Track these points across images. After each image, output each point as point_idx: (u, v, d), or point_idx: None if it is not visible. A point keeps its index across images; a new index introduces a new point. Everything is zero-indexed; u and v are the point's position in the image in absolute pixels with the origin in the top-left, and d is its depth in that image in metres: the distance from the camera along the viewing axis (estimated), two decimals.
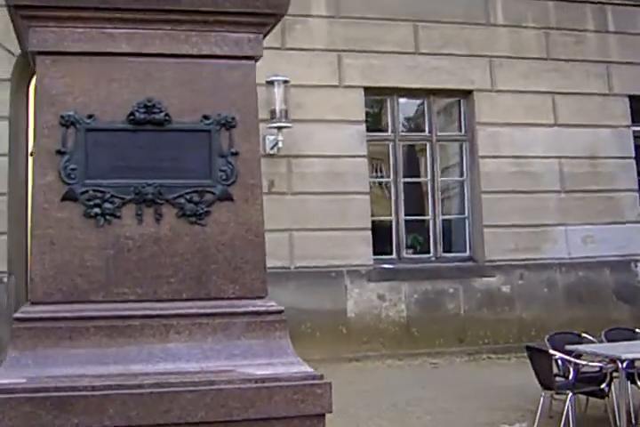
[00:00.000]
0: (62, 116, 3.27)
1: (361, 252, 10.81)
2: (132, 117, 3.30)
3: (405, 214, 11.42)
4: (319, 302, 10.47)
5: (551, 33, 11.91)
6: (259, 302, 3.37)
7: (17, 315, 3.20)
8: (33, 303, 3.22)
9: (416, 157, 12.19)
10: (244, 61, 3.44)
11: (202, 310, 3.27)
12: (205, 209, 3.34)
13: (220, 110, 3.37)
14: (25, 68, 9.85)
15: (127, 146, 3.31)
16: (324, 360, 8.52)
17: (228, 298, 3.34)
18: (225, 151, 3.37)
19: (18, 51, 9.68)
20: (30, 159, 10.96)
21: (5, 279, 9.90)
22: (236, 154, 3.38)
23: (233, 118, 3.37)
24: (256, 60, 3.48)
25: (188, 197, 3.33)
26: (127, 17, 3.30)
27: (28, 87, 10.78)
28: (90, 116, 3.28)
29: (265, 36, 3.51)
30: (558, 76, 11.84)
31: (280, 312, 3.35)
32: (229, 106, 3.38)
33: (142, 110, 3.30)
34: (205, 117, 3.36)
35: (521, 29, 11.82)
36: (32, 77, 10.55)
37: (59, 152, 3.27)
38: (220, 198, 3.36)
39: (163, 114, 3.31)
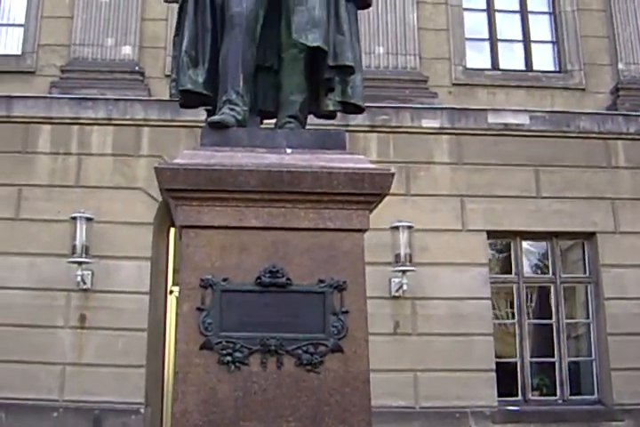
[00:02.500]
0: (202, 279, 3.96)
1: (485, 393, 10.94)
2: (259, 281, 3.96)
3: (531, 356, 11.59)
4: None
5: None
6: None
7: None
8: None
9: (540, 298, 12.44)
10: (353, 233, 4.07)
11: None
12: (319, 359, 3.92)
13: (333, 275, 4.00)
14: (166, 213, 10.84)
15: (254, 304, 3.96)
16: None
17: None
18: (337, 310, 3.97)
19: (160, 197, 10.73)
20: (169, 297, 11.91)
21: (142, 410, 10.44)
22: (346, 312, 3.98)
23: (344, 282, 3.99)
24: (363, 232, 4.10)
25: (304, 348, 3.92)
26: (256, 198, 4.01)
27: (168, 231, 11.76)
28: (224, 280, 3.96)
29: (371, 211, 4.14)
30: None
31: None
32: (341, 271, 4.01)
33: (268, 275, 3.97)
34: (321, 281, 3.99)
35: None
36: (172, 222, 11.60)
37: (198, 309, 3.94)
38: (333, 350, 3.94)
39: (284, 278, 3.96)
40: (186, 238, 4.05)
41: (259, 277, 3.96)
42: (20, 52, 11.94)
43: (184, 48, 4.60)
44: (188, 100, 4.68)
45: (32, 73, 11.75)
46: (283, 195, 4.02)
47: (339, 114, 4.92)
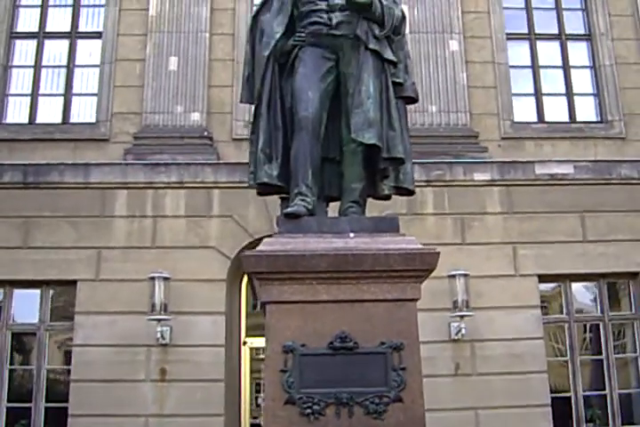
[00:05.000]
0: (284, 346, 4.79)
1: (542, 426, 11.54)
2: (331, 345, 4.79)
3: (584, 390, 12.18)
4: None
5: None
6: None
7: None
8: None
9: (591, 335, 13.03)
10: (407, 303, 4.89)
11: None
12: (384, 408, 4.72)
13: (391, 338, 4.81)
14: (237, 270, 11.67)
15: (328, 365, 4.78)
16: None
17: None
18: (396, 367, 4.77)
19: (232, 255, 11.56)
20: (243, 348, 12.61)
21: None
22: (404, 369, 4.77)
23: (401, 343, 4.79)
24: (416, 301, 4.90)
25: (371, 400, 4.74)
26: (326, 277, 4.85)
27: (239, 286, 12.55)
28: (302, 345, 4.79)
29: (421, 282, 4.95)
30: None
31: None
32: (398, 334, 4.82)
33: (338, 340, 4.80)
34: (382, 343, 4.80)
35: None
36: (242, 278, 12.41)
37: (281, 371, 4.76)
38: (394, 400, 4.74)
39: (352, 342, 4.79)
40: (269, 312, 4.89)
41: (331, 342, 4.79)
42: (94, 121, 12.73)
43: (260, 146, 5.48)
44: (264, 189, 5.57)
45: (106, 140, 12.53)
46: (348, 273, 4.85)
47: None
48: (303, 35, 5.58)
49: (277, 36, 5.57)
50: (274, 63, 5.57)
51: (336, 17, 5.52)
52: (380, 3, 5.51)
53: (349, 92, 5.43)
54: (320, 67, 5.49)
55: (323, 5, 5.57)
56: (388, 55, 5.49)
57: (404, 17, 5.71)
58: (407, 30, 11.94)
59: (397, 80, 5.53)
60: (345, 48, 5.50)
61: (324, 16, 5.55)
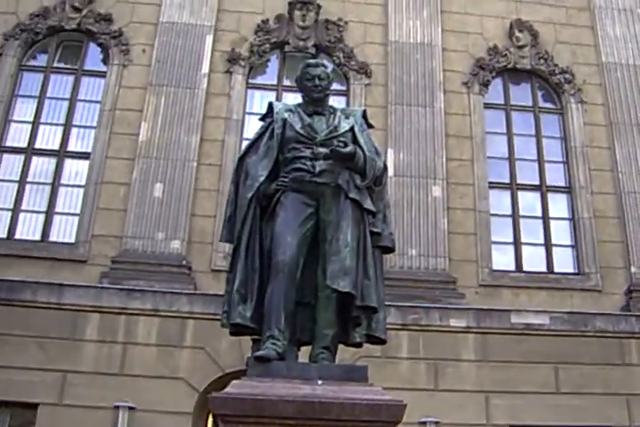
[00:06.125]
0: None
1: None
2: None
3: None
4: None
5: None
6: None
7: None
8: None
9: None
10: None
11: None
12: None
13: None
14: (205, 404, 11.31)
15: None
16: None
17: None
18: None
19: (201, 387, 11.33)
20: None
21: None
22: None
23: None
24: None
25: None
26: (292, 423, 4.81)
27: (206, 421, 12.25)
28: None
29: None
30: None
31: None
32: None
33: None
34: None
35: None
36: (209, 413, 12.10)
37: None
38: None
39: None
40: None
41: None
42: (73, 241, 12.67)
43: (236, 286, 5.51)
44: (237, 330, 5.55)
45: (84, 262, 12.41)
46: (314, 421, 4.78)
47: None
48: (286, 180, 5.71)
49: (261, 179, 5.71)
50: (256, 205, 5.69)
51: (319, 165, 5.67)
52: (363, 153, 5.68)
53: (327, 239, 5.53)
54: (300, 212, 5.60)
55: (307, 153, 5.73)
56: (368, 205, 5.63)
57: (385, 168, 5.88)
58: (391, 173, 12.40)
59: (375, 230, 5.66)
60: (326, 196, 5.64)
61: (308, 163, 5.71)
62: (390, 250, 5.85)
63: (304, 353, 5.67)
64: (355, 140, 5.81)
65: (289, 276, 5.37)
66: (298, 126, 5.87)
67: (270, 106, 6.20)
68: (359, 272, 5.44)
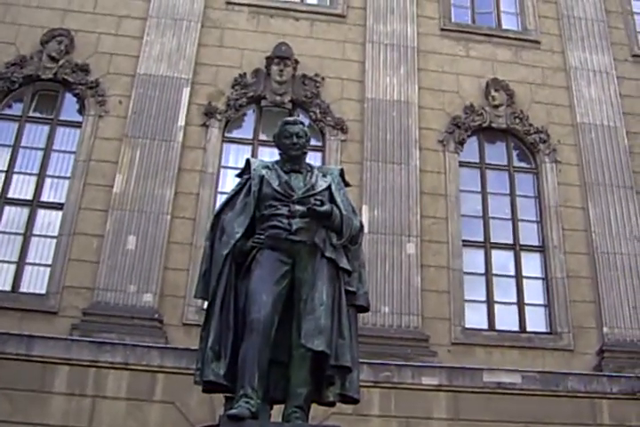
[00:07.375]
0: None
1: None
2: None
3: None
4: None
5: None
6: None
7: None
8: None
9: None
10: None
11: None
12: None
13: None
14: None
15: None
16: None
17: None
18: None
19: None
20: None
21: None
22: None
23: None
24: None
25: None
26: None
27: None
28: None
29: None
30: None
31: None
32: None
33: None
34: None
35: None
36: None
37: None
38: None
39: None
40: None
41: None
42: (44, 292, 12.49)
43: (209, 344, 5.48)
44: (210, 387, 5.50)
45: (54, 313, 12.23)
46: None
47: None
48: (262, 237, 5.72)
49: (237, 236, 5.71)
50: (231, 262, 5.69)
51: (296, 223, 5.68)
52: (340, 212, 5.71)
53: (302, 298, 5.53)
54: (276, 270, 5.59)
55: (284, 211, 5.75)
56: (344, 264, 5.65)
57: (361, 227, 5.90)
58: (366, 230, 12.40)
59: (351, 289, 5.67)
60: (302, 254, 5.64)
61: (285, 221, 5.72)
62: (365, 309, 5.85)
63: (277, 411, 5.62)
64: (332, 199, 5.85)
65: (263, 334, 5.34)
66: (275, 184, 5.90)
67: (247, 162, 6.23)
68: (334, 331, 5.44)
